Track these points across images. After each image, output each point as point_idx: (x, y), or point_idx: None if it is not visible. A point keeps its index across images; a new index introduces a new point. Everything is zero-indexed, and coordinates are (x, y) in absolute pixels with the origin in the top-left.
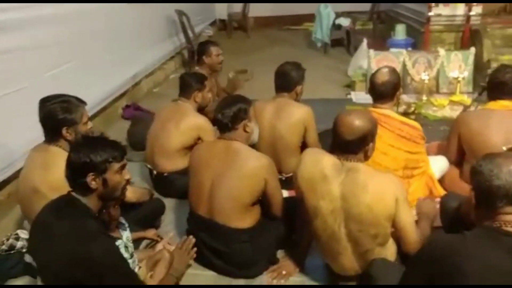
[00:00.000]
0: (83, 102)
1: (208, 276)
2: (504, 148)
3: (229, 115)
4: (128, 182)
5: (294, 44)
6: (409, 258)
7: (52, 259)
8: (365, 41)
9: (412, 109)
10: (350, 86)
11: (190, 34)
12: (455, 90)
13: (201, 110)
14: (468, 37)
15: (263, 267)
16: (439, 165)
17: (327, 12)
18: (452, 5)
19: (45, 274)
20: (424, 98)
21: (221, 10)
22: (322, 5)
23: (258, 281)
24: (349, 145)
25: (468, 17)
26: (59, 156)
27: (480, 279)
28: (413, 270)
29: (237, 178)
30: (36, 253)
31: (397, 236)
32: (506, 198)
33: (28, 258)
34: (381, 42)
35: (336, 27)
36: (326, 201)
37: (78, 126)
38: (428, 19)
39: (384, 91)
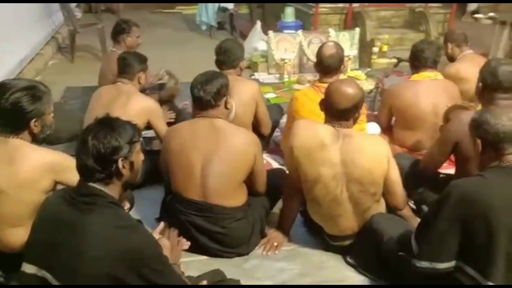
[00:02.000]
0: (48, 88)
1: (201, 261)
2: None
3: (211, 91)
4: (143, 163)
5: (174, 27)
6: (428, 204)
7: (89, 258)
8: (258, 24)
9: None
10: (250, 67)
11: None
12: (346, 67)
13: (142, 92)
14: (351, 19)
15: (256, 242)
16: (374, 130)
17: None
18: None
19: (74, 278)
20: None
21: None
22: None
23: (252, 256)
24: (344, 112)
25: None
26: (24, 149)
27: (508, 211)
28: (439, 214)
29: (230, 156)
30: (57, 257)
31: (386, 191)
32: (511, 140)
33: (30, 269)
34: (265, 25)
35: (221, 10)
36: (327, 168)
37: (45, 117)
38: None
39: (332, 63)
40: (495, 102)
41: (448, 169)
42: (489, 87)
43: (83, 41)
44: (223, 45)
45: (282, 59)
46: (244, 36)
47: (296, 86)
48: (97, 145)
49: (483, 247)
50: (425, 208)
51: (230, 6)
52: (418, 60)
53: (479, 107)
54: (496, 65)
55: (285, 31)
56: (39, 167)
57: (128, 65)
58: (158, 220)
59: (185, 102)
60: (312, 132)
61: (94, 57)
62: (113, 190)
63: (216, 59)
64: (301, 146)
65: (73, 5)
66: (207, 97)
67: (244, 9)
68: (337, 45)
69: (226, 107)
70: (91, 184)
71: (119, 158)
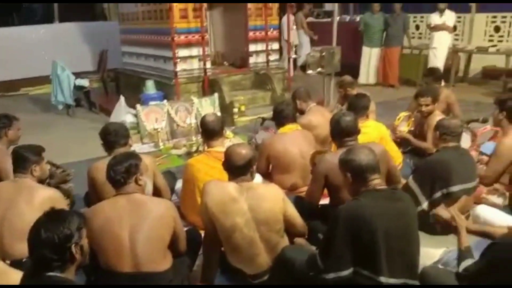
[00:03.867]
0: None
1: None
2: (310, 153)
3: (121, 171)
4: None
5: (27, 110)
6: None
7: None
8: (122, 98)
9: (195, 148)
10: None
11: None
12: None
13: (41, 183)
14: (208, 85)
15: None
16: (257, 179)
17: (66, 74)
18: (189, 61)
19: None
20: (194, 138)
21: None
22: (59, 68)
23: None
24: (241, 169)
25: (205, 70)
26: None
27: (381, 220)
28: (333, 234)
29: (154, 222)
30: None
31: (289, 224)
32: (371, 170)
33: None
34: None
35: (77, 88)
36: (240, 216)
37: None
38: (176, 73)
39: (215, 126)
40: (344, 144)
41: (323, 200)
42: (336, 133)
43: None
44: (110, 127)
45: (155, 129)
46: (104, 109)
47: (174, 151)
48: (51, 236)
49: (369, 251)
50: (320, 236)
51: (86, 83)
52: (282, 118)
53: (333, 148)
54: (339, 117)
55: (151, 102)
56: None
57: (21, 159)
58: None
59: (70, 185)
60: (222, 189)
61: None
62: (69, 275)
63: (105, 141)
64: (215, 202)
65: None
66: (117, 177)
67: (96, 83)
68: (215, 114)
69: (138, 184)
70: (49, 273)
71: (71, 244)
